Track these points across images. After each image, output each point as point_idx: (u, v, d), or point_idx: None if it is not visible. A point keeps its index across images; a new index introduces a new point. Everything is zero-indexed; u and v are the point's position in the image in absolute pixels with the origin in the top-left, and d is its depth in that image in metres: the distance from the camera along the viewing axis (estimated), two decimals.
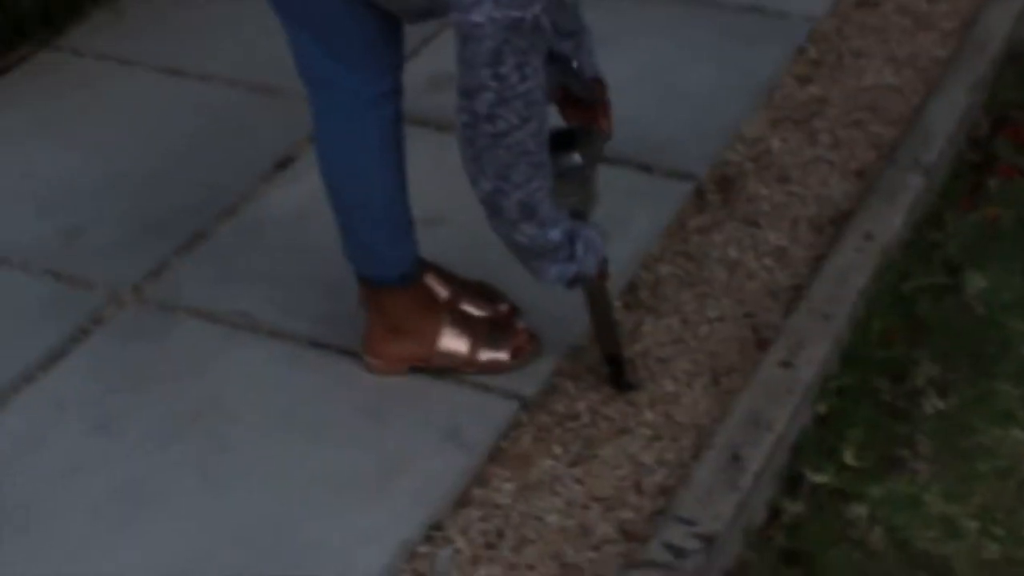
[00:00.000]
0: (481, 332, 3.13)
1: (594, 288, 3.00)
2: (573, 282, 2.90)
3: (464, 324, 3.13)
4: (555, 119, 2.90)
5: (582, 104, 3.03)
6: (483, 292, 3.25)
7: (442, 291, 3.20)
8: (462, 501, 2.91)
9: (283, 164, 3.85)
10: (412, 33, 2.95)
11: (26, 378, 3.21)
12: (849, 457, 3.04)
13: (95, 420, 3.10)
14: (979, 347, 3.30)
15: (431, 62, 3.92)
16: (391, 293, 3.08)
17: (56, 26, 4.47)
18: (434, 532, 2.84)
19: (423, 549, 2.81)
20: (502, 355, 3.13)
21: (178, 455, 3.01)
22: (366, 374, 3.15)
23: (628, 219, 3.49)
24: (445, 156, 3.62)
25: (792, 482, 3.01)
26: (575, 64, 2.95)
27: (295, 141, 3.91)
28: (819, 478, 3.00)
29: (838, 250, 3.45)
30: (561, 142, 2.85)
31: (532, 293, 3.27)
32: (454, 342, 3.11)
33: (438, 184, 3.49)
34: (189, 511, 2.90)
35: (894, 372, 3.24)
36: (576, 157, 2.85)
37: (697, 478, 2.89)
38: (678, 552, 2.74)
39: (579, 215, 2.91)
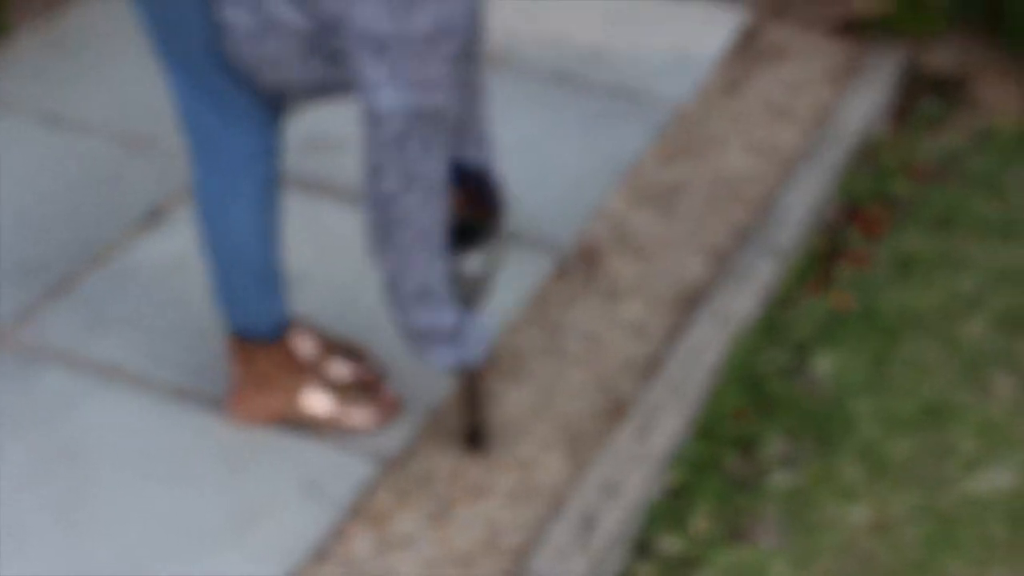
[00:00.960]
0: (345, 394, 3.18)
1: (475, 373, 3.08)
2: (461, 367, 2.98)
3: (329, 385, 3.17)
4: None
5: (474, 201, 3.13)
6: (350, 352, 3.30)
7: (310, 349, 3.24)
8: (320, 556, 2.94)
9: (155, 215, 3.87)
10: None
11: None
12: (698, 526, 3.13)
13: None
14: (825, 426, 3.40)
15: (310, 124, 3.97)
16: (258, 348, 3.12)
17: None
18: None
19: None
20: (365, 417, 3.18)
21: (37, 499, 3.02)
22: (229, 426, 3.19)
23: (491, 289, 3.57)
24: (317, 216, 3.70)
25: (643, 548, 3.09)
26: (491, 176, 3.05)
27: (168, 193, 3.93)
28: (669, 545, 3.09)
29: (692, 327, 3.55)
30: (465, 237, 2.94)
31: (398, 352, 3.34)
32: (318, 402, 3.16)
33: (309, 243, 3.54)
34: (45, 555, 2.91)
35: (743, 446, 3.34)
36: (475, 262, 2.94)
37: (551, 540, 2.96)
38: None
39: (468, 303, 3.01)
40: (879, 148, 4.49)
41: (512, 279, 3.67)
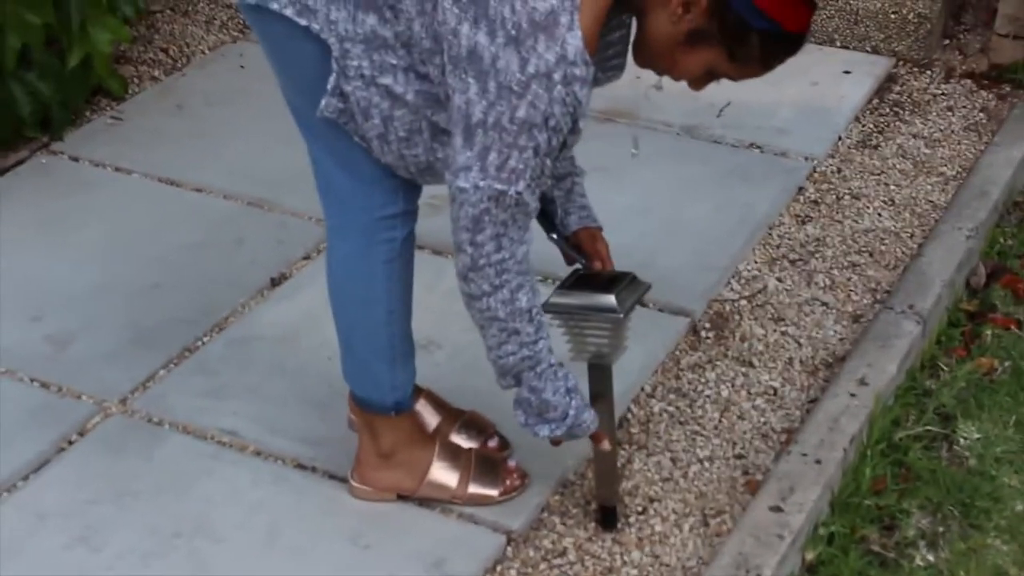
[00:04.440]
0: (471, 466, 3.09)
1: (607, 452, 3.00)
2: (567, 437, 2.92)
3: (454, 457, 3.09)
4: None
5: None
6: (474, 423, 3.22)
7: (433, 420, 3.18)
8: None
9: (277, 281, 3.82)
10: None
11: (8, 487, 3.16)
12: None
13: (76, 532, 3.05)
14: (970, 500, 3.26)
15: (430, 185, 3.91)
16: (383, 420, 3.04)
17: (54, 130, 4.46)
18: None
19: None
20: (491, 491, 3.09)
21: (158, 572, 2.96)
22: (351, 499, 3.11)
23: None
24: (440, 280, 3.62)
25: None
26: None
27: (289, 259, 3.90)
28: None
29: (831, 394, 3.43)
30: (602, 285, 2.89)
31: None
32: (444, 475, 3.07)
33: (432, 308, 3.47)
34: None
35: (884, 521, 3.21)
36: (611, 300, 2.85)
37: None
38: None
39: (602, 358, 2.92)
40: None
41: (642, 343, 3.56)
